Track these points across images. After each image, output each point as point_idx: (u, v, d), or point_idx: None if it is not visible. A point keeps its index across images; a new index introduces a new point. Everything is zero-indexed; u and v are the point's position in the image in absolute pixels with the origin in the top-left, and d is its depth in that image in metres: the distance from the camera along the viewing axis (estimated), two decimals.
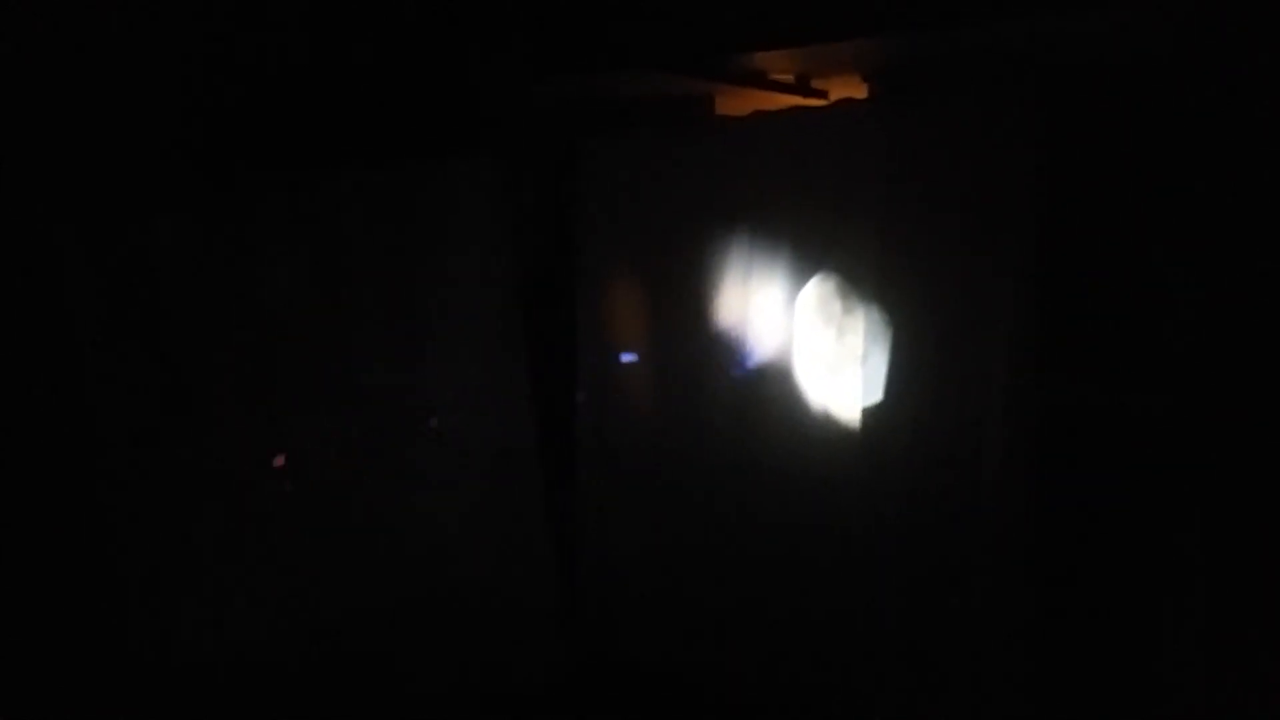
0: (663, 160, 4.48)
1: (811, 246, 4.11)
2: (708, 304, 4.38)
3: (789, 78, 4.49)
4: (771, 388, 4.23)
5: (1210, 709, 3.47)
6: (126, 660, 3.95)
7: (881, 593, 3.92)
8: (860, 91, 4.42)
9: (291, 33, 4.30)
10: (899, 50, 3.99)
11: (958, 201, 3.75)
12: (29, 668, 3.77)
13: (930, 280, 3.82)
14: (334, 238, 4.28)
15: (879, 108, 4.22)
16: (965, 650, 3.76)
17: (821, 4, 3.85)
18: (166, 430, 4.06)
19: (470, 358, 4.45)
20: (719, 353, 4.37)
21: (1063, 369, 3.68)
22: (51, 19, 3.87)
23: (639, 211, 4.52)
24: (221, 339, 4.14)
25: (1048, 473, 3.64)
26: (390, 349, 4.38)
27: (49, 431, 3.90)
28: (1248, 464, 3.39)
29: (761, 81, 4.49)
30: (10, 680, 3.74)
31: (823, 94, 4.57)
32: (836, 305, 4.08)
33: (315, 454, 4.29)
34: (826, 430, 4.09)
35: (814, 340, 4.15)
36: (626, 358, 4.66)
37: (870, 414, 3.95)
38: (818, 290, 4.13)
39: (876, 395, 3.93)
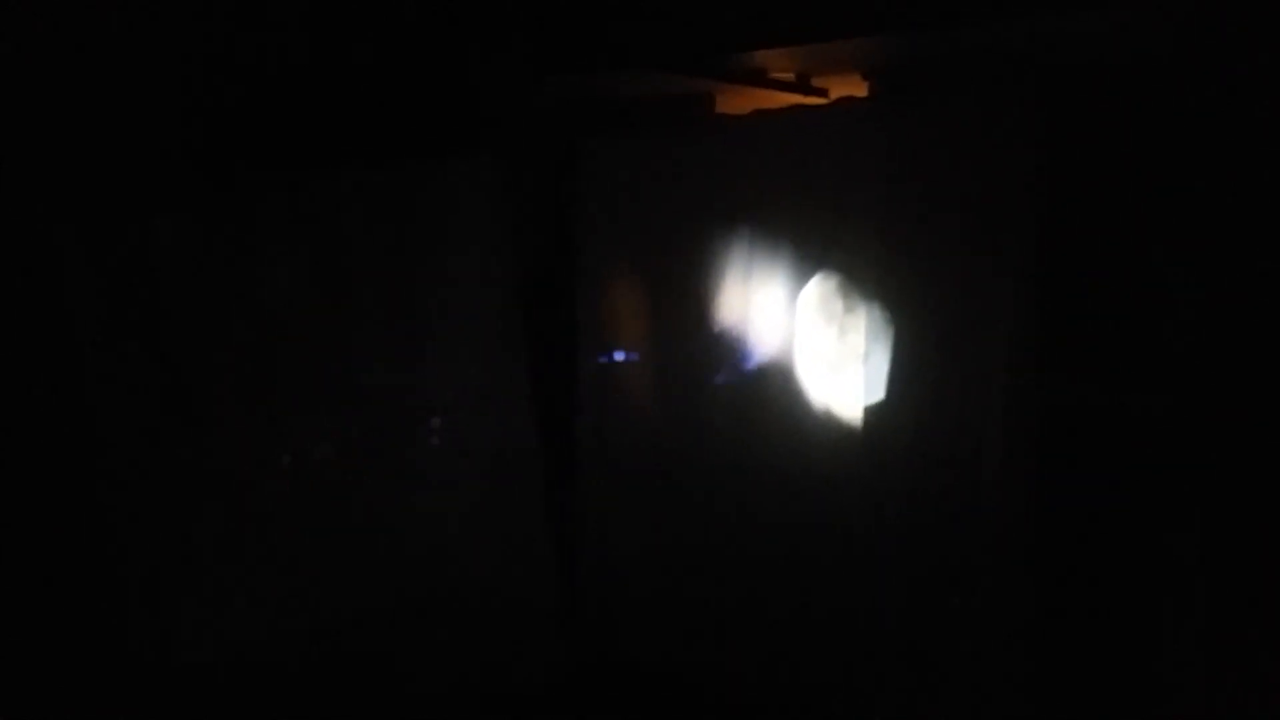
0: (663, 160, 4.48)
1: (812, 245, 4.11)
2: (708, 303, 4.38)
3: (789, 76, 4.49)
4: (771, 387, 4.23)
5: (1210, 709, 3.46)
6: (126, 660, 3.95)
7: (881, 592, 3.92)
8: (861, 90, 4.41)
9: (291, 33, 4.30)
10: (899, 50, 3.99)
11: (958, 201, 3.75)
12: (29, 668, 3.77)
13: (930, 280, 3.81)
14: (334, 238, 4.28)
15: (879, 107, 4.22)
16: (965, 650, 3.75)
17: (821, 3, 3.85)
18: (166, 430, 4.06)
19: (470, 358, 4.46)
20: (719, 352, 4.37)
21: (1063, 369, 3.67)
22: (51, 19, 3.87)
23: (639, 211, 4.52)
24: (221, 339, 4.14)
25: (1048, 473, 3.63)
26: (390, 349, 4.38)
27: (49, 431, 3.90)
28: (1248, 464, 3.38)
29: (762, 80, 4.48)
30: (10, 680, 3.74)
31: (823, 92, 4.57)
32: (836, 305, 4.07)
33: (315, 454, 4.29)
34: (826, 430, 4.08)
35: (814, 340, 4.15)
36: (627, 357, 4.66)
37: (870, 414, 3.95)
38: (818, 289, 4.13)
39: (876, 395, 3.93)
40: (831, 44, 3.95)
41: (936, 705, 3.82)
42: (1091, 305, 3.68)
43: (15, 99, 3.83)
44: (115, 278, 4.00)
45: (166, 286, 4.07)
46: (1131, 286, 3.63)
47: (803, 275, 4.15)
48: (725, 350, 4.36)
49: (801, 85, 4.52)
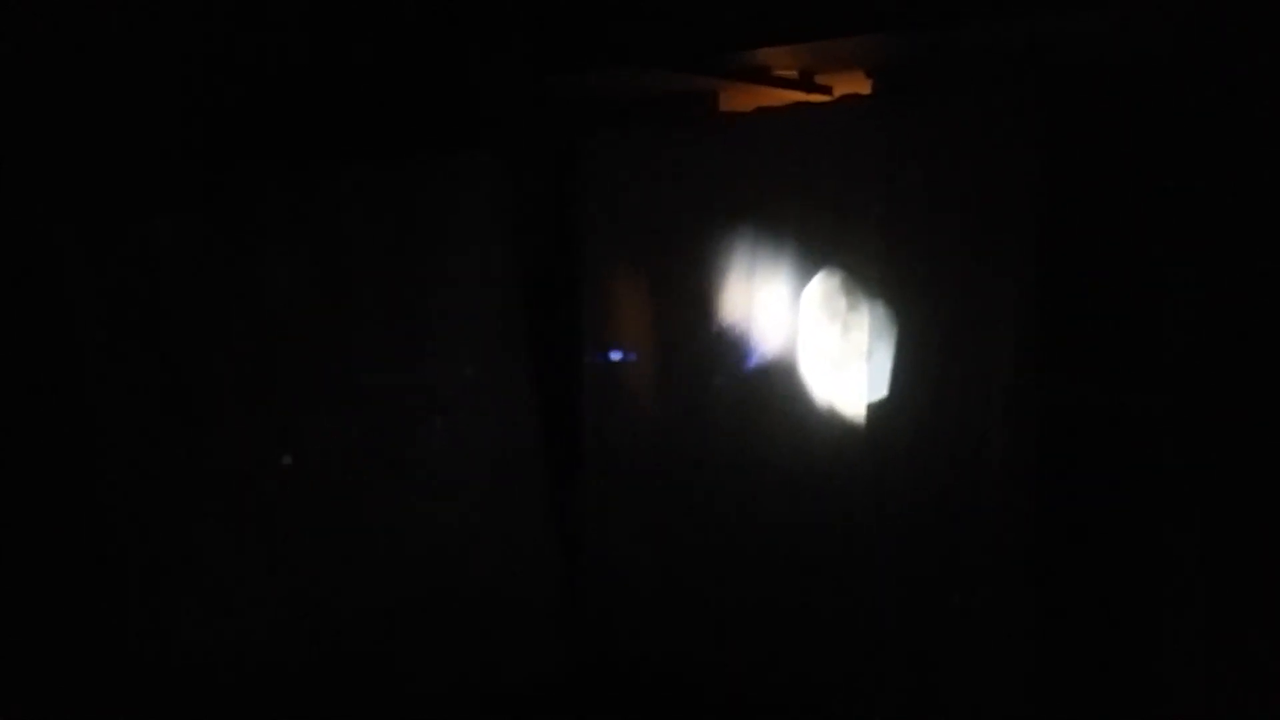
0: (664, 158, 4.48)
1: (813, 244, 4.11)
2: (709, 302, 4.38)
3: (792, 74, 4.48)
4: (773, 386, 4.23)
5: (1210, 709, 3.46)
6: (126, 660, 3.95)
7: (882, 592, 3.92)
8: (864, 87, 4.40)
9: (291, 33, 4.30)
10: (900, 48, 3.98)
11: (958, 201, 3.75)
12: (29, 667, 3.77)
13: (931, 280, 3.82)
14: (334, 237, 4.28)
15: (879, 106, 4.21)
16: (965, 650, 3.75)
17: (820, 3, 3.85)
18: (166, 430, 4.05)
19: (471, 358, 4.46)
20: (720, 351, 4.37)
21: (1063, 369, 3.67)
22: (51, 19, 3.86)
23: (640, 210, 4.52)
24: (222, 339, 4.14)
25: (1048, 473, 3.63)
26: (391, 349, 4.38)
27: (49, 431, 3.90)
28: (1247, 464, 3.38)
29: (765, 78, 4.47)
30: (10, 680, 3.75)
31: (827, 89, 4.56)
32: (838, 303, 4.07)
33: (316, 454, 4.29)
34: (826, 430, 4.08)
35: (815, 339, 4.15)
36: (628, 357, 4.66)
37: (871, 413, 3.95)
38: (819, 288, 4.13)
39: (877, 394, 3.93)
40: (833, 42, 3.94)
41: (936, 705, 3.82)
42: (1092, 305, 3.68)
43: (15, 99, 3.83)
44: (115, 278, 3.99)
45: (167, 286, 4.06)
46: (1131, 286, 3.62)
47: (805, 274, 4.15)
48: (727, 349, 4.36)
49: (805, 83, 4.51)
